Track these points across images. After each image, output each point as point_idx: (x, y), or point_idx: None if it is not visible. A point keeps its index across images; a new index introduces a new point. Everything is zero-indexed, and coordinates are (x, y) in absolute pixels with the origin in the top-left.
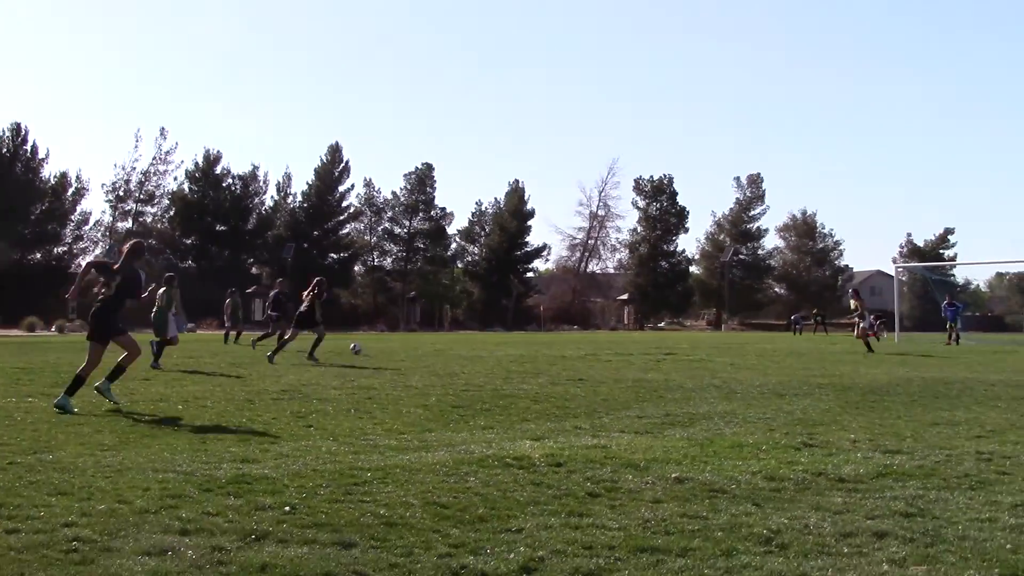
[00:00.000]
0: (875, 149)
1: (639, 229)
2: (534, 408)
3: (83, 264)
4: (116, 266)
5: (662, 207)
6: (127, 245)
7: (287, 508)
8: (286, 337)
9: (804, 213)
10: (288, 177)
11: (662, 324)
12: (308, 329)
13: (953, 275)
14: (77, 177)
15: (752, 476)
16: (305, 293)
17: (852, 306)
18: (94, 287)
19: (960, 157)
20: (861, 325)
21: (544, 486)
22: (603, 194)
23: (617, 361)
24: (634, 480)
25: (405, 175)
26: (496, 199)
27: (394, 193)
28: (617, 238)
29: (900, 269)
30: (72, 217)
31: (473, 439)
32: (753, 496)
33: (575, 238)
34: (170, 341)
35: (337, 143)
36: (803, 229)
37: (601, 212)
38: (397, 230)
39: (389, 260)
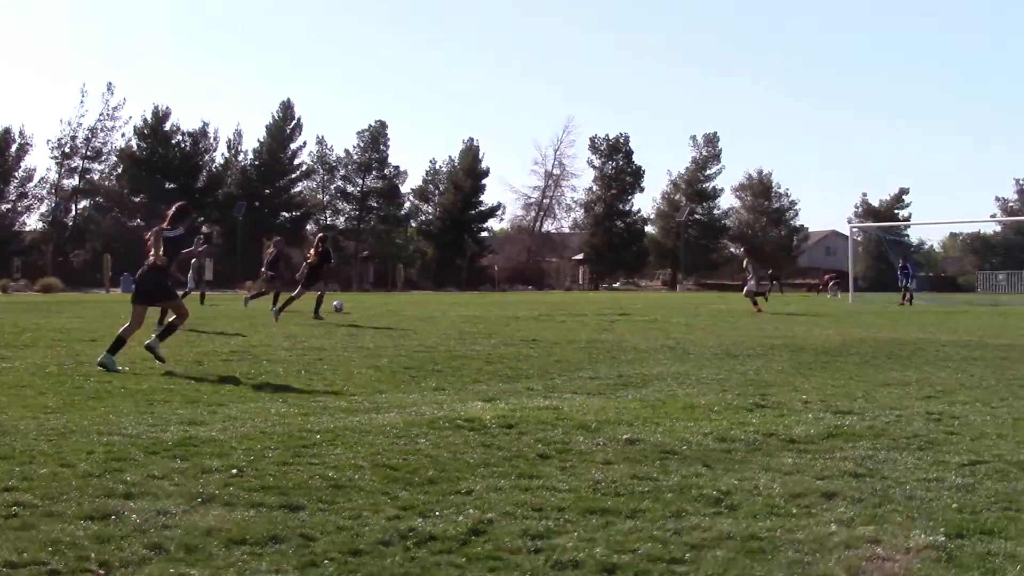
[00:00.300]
0: (830, 108)
1: (594, 188)
2: (486, 369)
3: (152, 233)
4: (181, 230)
5: (618, 166)
6: (176, 206)
7: (234, 471)
8: (293, 295)
9: (760, 173)
10: (239, 134)
11: (617, 284)
12: (312, 287)
13: (907, 235)
14: (20, 132)
15: (704, 437)
16: (311, 251)
17: (743, 264)
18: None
19: (916, 117)
20: (749, 283)
21: (495, 448)
22: (558, 152)
23: (571, 322)
24: (585, 442)
25: (358, 133)
26: (450, 157)
27: (347, 151)
28: (572, 197)
29: (855, 229)
30: (16, 174)
31: (424, 400)
32: (704, 457)
33: (530, 197)
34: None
35: (289, 100)
36: (759, 189)
37: (556, 171)
38: (350, 189)
39: (342, 219)
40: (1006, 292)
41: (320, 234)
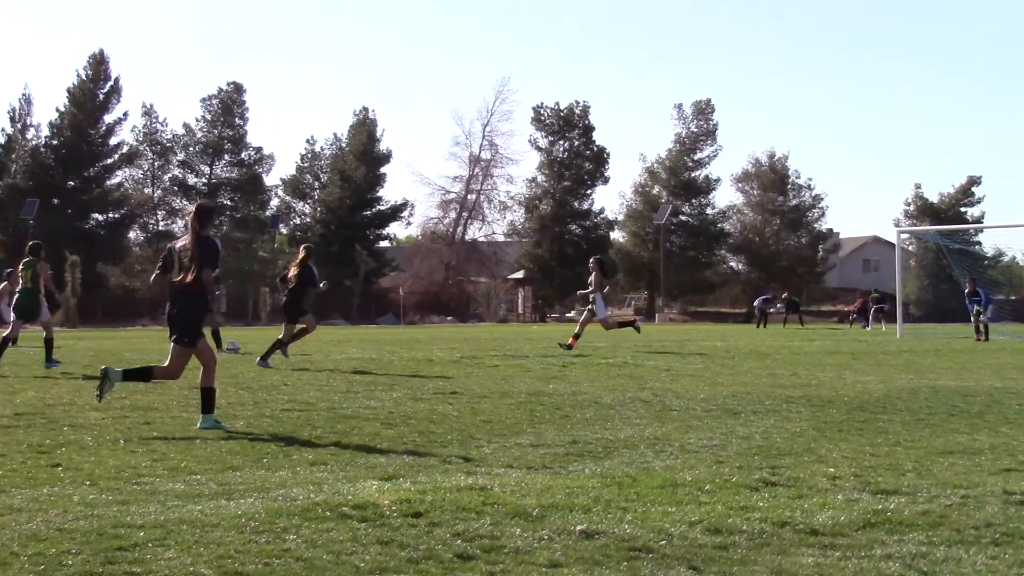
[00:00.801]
0: (867, 72)
1: (540, 179)
2: (385, 435)
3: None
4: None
5: (572, 147)
6: (207, 205)
7: None
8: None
9: (772, 157)
10: (27, 101)
11: (572, 313)
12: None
13: (979, 243)
14: None
15: (689, 528)
16: (290, 270)
17: (589, 281)
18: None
19: (985, 83)
20: (598, 306)
21: (395, 545)
22: (488, 129)
23: (506, 366)
24: (523, 536)
25: (203, 100)
26: (336, 135)
27: (187, 126)
28: (509, 192)
29: (905, 235)
30: None
31: (296, 479)
32: (690, 557)
33: (449, 192)
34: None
35: (102, 52)
36: (770, 179)
37: (486, 155)
38: (192, 180)
39: (179, 223)
40: None
41: (306, 245)
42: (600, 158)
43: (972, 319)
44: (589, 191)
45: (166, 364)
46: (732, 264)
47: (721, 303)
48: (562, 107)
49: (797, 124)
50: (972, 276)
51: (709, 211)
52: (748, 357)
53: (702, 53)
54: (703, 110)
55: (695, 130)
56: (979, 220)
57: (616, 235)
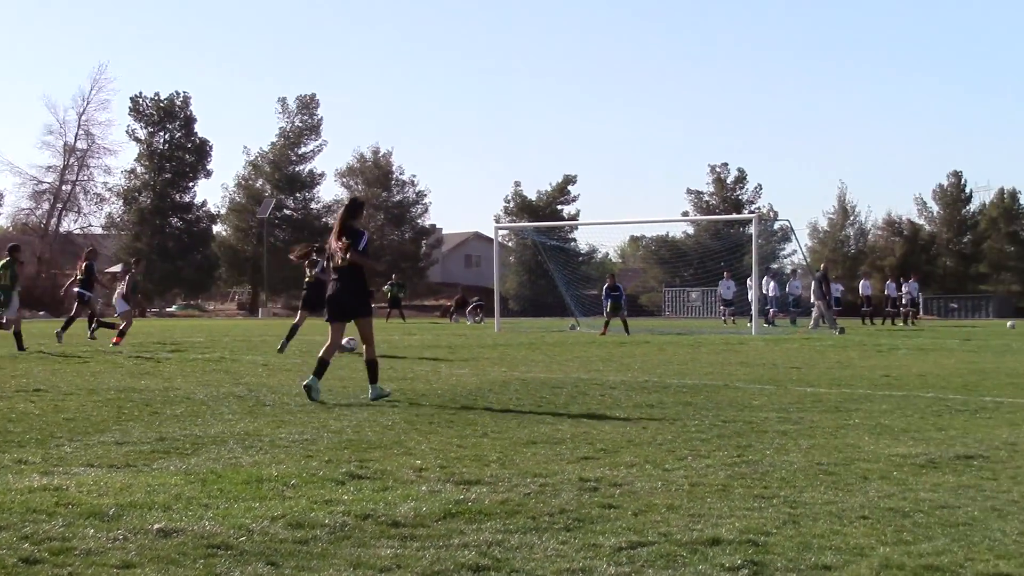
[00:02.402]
0: (466, 69)
1: (139, 170)
2: None
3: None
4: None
5: (173, 139)
6: (359, 200)
7: None
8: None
9: (376, 153)
10: None
11: (173, 308)
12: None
13: (575, 240)
14: None
15: (271, 523)
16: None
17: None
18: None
19: (579, 83)
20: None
21: None
22: (85, 118)
23: (97, 362)
24: (97, 536)
25: None
26: None
27: None
28: (107, 183)
29: (504, 232)
30: None
31: None
32: (269, 552)
33: (42, 182)
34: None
35: None
36: (374, 175)
37: (82, 144)
38: None
39: None
40: (700, 316)
41: (315, 245)
42: (202, 150)
43: (605, 314)
44: (191, 184)
45: (328, 343)
46: None
47: None
48: (162, 97)
49: (401, 120)
50: (612, 274)
51: (314, 206)
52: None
53: (308, 46)
54: (308, 104)
55: (299, 124)
56: (574, 217)
57: (219, 229)
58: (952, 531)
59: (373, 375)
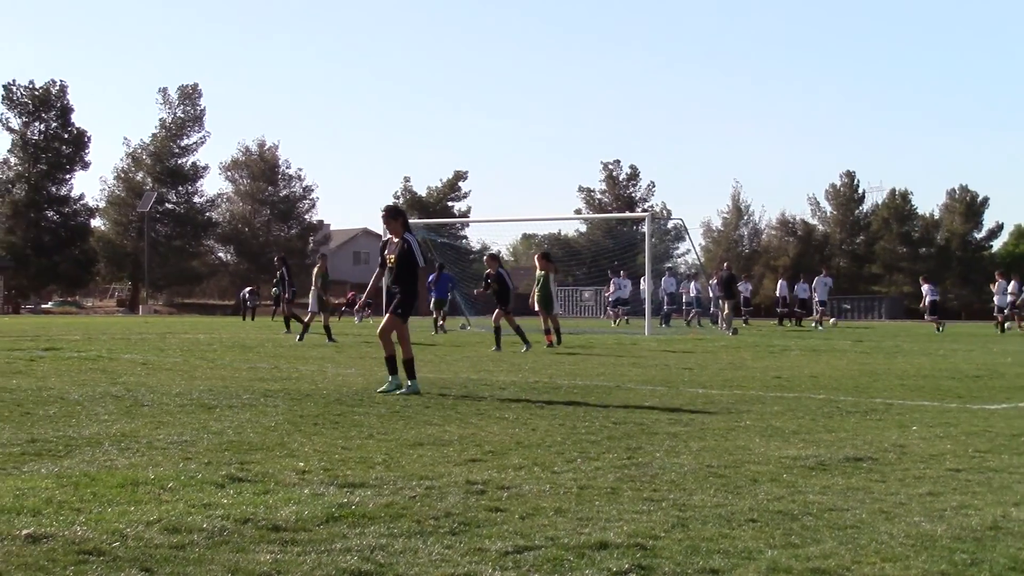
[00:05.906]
0: (353, 63)
1: (12, 161)
2: None
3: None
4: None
5: (48, 129)
6: (396, 207)
7: None
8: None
9: (262, 146)
10: None
11: (50, 304)
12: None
13: (466, 237)
14: None
15: (146, 528)
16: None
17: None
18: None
19: (468, 78)
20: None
21: None
22: None
23: None
24: None
25: None
26: None
27: None
28: None
29: None
30: None
31: None
32: (144, 558)
33: None
34: None
35: None
36: (260, 168)
37: None
38: None
39: None
40: (593, 315)
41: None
42: (80, 141)
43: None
44: (68, 176)
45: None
46: (221, 255)
47: (209, 295)
48: (37, 86)
49: (288, 113)
50: (441, 264)
51: (197, 199)
52: (231, 350)
53: (190, 34)
54: (190, 95)
55: (182, 115)
56: (466, 214)
57: (97, 223)
58: (840, 534)
59: (410, 371)
